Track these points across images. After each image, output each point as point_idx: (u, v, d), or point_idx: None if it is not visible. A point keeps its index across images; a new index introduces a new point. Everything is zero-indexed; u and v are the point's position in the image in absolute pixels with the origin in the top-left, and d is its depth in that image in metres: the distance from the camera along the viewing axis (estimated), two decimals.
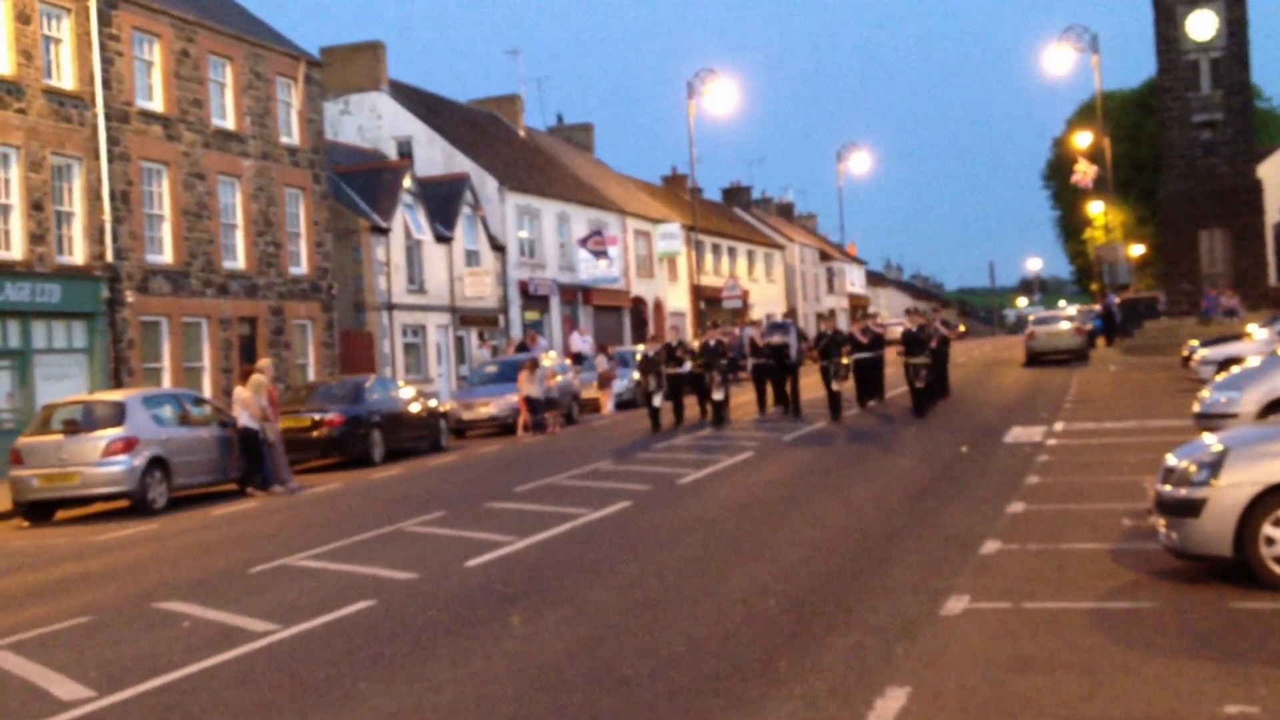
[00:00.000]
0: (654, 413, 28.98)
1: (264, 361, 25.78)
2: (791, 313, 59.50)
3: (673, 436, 26.71)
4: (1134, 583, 10.31)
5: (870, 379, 29.65)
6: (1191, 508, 9.88)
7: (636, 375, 32.50)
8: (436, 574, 12.73)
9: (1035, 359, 43.21)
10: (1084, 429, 22.27)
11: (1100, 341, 51.28)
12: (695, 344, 30.80)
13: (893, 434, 24.29)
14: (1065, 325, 44.96)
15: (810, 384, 32.10)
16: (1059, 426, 22.86)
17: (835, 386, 27.58)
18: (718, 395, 28.64)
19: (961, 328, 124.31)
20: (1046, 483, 16.18)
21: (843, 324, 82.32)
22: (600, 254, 53.29)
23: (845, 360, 28.34)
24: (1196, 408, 18.49)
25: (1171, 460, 10.47)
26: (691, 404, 30.42)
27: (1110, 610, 9.48)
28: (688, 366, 29.53)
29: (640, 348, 34.59)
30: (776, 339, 29.68)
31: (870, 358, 29.30)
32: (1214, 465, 9.96)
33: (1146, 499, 11.10)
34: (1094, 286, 70.29)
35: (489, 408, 32.79)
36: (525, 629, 10.14)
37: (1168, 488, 10.20)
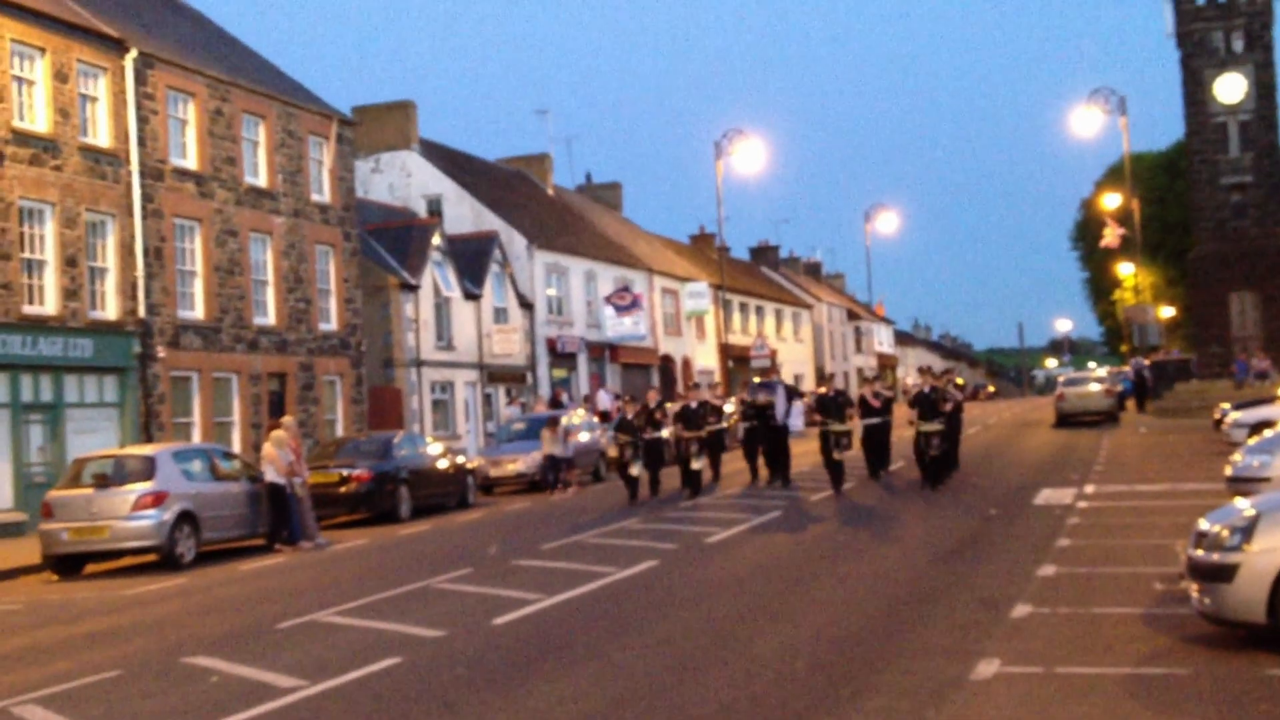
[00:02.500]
0: (630, 482, 26.49)
1: (287, 418, 25.91)
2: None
3: (679, 500, 25.22)
4: (1167, 648, 10.22)
5: (881, 446, 26.92)
6: (1224, 573, 9.81)
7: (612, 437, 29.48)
8: (464, 631, 12.71)
9: (1065, 420, 42.98)
10: (1115, 491, 22.12)
11: (1130, 404, 51.02)
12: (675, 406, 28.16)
13: (914, 501, 23.58)
14: (1095, 387, 44.74)
15: (810, 449, 29.92)
16: (1090, 489, 22.71)
17: (837, 455, 25.08)
18: (696, 464, 26.27)
19: (991, 388, 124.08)
20: (1077, 545, 16.07)
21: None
22: (622, 309, 53.28)
23: (849, 426, 25.72)
24: (1229, 471, 18.39)
25: (1204, 525, 10.40)
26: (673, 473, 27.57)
27: (1143, 676, 9.40)
28: (666, 432, 27.44)
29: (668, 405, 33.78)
30: (762, 398, 27.24)
31: (881, 423, 26.63)
32: (1247, 530, 9.89)
33: (1179, 563, 11.02)
34: (1124, 348, 70.07)
35: (516, 464, 32.75)
36: (551, 689, 10.11)
37: (1200, 552, 10.13)
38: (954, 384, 30.16)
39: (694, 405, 27.05)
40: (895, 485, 25.72)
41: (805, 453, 29.81)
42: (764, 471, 27.35)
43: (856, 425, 26.53)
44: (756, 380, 31.18)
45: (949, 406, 26.08)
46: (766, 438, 27.20)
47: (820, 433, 25.98)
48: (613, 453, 36.09)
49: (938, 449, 24.63)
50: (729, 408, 32.32)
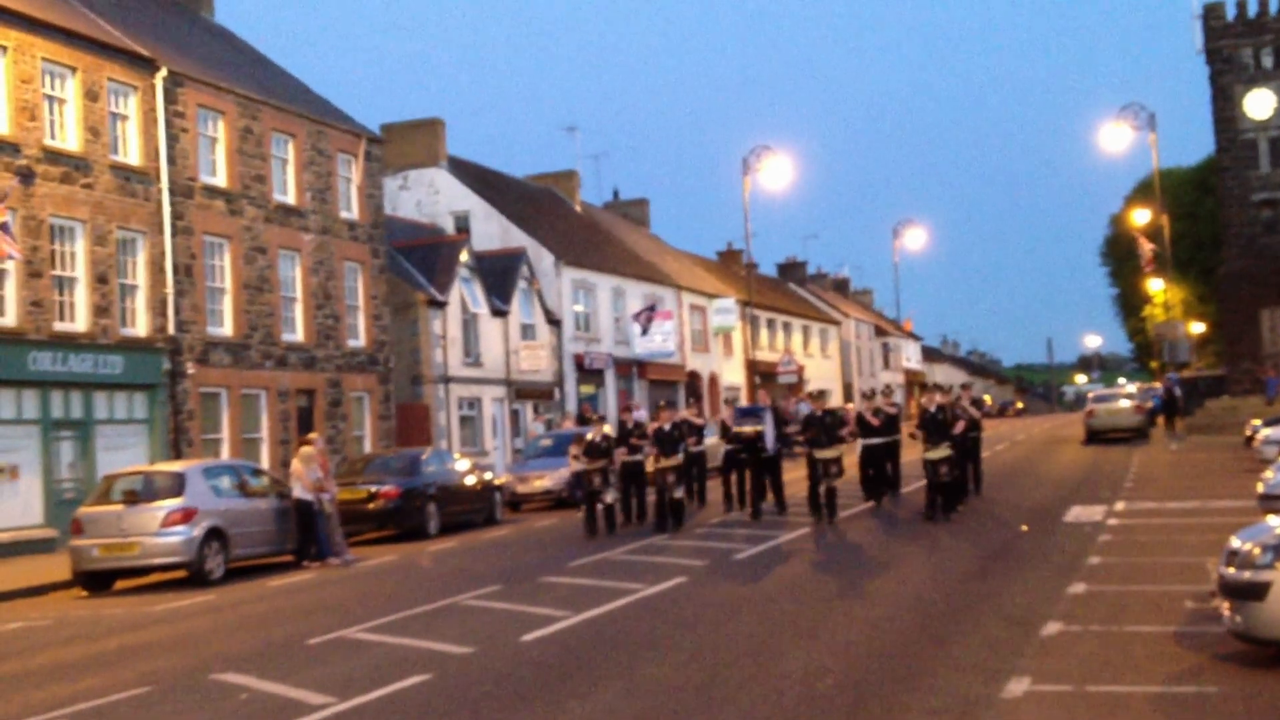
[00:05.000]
0: (593, 513, 23.64)
1: (313, 435, 25.99)
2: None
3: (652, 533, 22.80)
4: (1198, 667, 10.15)
5: (882, 470, 24.91)
6: (1256, 591, 9.74)
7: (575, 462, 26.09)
8: (492, 648, 12.70)
9: (1095, 437, 42.78)
10: (1145, 509, 22.00)
11: (1159, 421, 50.72)
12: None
13: (915, 534, 21.12)
14: (1125, 403, 44.53)
15: (802, 475, 25.60)
16: (1120, 506, 22.59)
17: (826, 482, 22.43)
18: (676, 493, 23.45)
19: (1019, 404, 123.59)
20: (1108, 563, 15.98)
21: (898, 400, 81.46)
22: (647, 329, 53.25)
23: (839, 451, 22.89)
24: (1260, 489, 18.26)
25: (1235, 542, 10.33)
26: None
27: (1175, 695, 9.33)
28: (644, 455, 24.36)
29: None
30: (748, 427, 24.73)
31: (881, 444, 24.58)
32: (1279, 548, 9.82)
33: (1210, 581, 10.95)
34: (1154, 364, 69.72)
35: (543, 481, 32.75)
36: (580, 705, 10.09)
37: (1231, 570, 10.06)
38: (972, 402, 27.55)
39: (668, 428, 23.89)
40: (898, 515, 23.33)
41: (796, 480, 27.43)
42: (738, 504, 25.27)
43: (856, 447, 24.46)
44: (742, 405, 29.35)
45: (961, 426, 23.26)
46: (756, 469, 24.75)
47: (808, 459, 23.14)
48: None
49: (948, 475, 22.02)
50: (710, 434, 29.66)
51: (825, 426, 23.08)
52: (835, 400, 70.35)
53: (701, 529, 23.28)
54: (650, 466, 24.22)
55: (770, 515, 24.14)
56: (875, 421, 24.57)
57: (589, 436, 24.88)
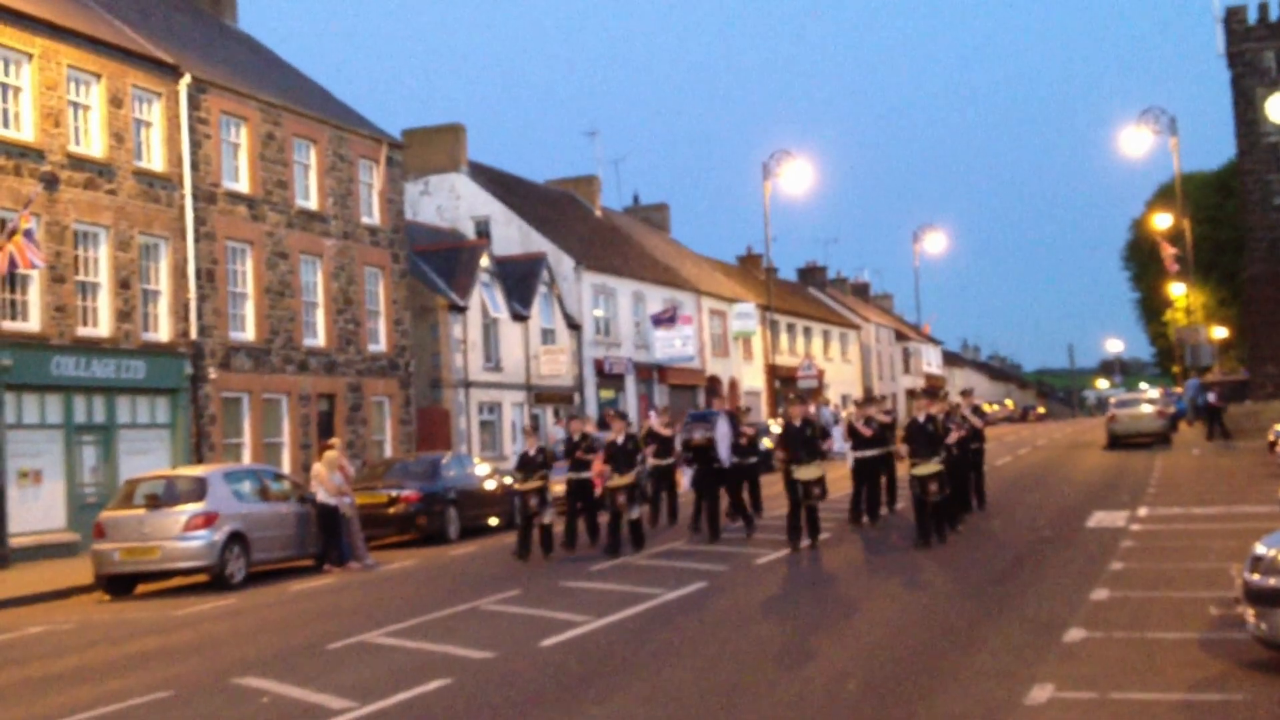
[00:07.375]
0: (527, 534, 21.75)
1: (334, 440, 26.04)
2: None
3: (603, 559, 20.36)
4: (1223, 674, 10.09)
5: (875, 483, 22.74)
6: None
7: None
8: (512, 653, 12.70)
9: (1117, 442, 42.59)
10: (1169, 514, 21.88)
11: (1182, 426, 50.46)
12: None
13: (894, 567, 18.01)
14: (1147, 408, 44.31)
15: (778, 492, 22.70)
16: (1143, 511, 22.47)
17: (807, 503, 19.85)
18: (632, 514, 21.18)
19: (1041, 409, 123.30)
20: (1131, 569, 15.89)
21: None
22: (661, 322, 53.18)
23: (821, 470, 20.00)
24: None
25: (1260, 548, 10.26)
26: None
27: (1200, 702, 9.28)
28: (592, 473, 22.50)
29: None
30: (698, 436, 22.54)
31: (874, 455, 22.46)
32: None
33: (1234, 587, 10.89)
34: (1176, 369, 69.44)
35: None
36: (600, 711, 10.08)
37: (1256, 576, 9.99)
38: (973, 409, 24.99)
39: (620, 440, 21.43)
40: (897, 532, 21.39)
41: (773, 495, 25.35)
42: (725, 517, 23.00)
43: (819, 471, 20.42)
44: (693, 412, 28.20)
45: (954, 437, 20.90)
46: (709, 483, 22.37)
47: (785, 478, 20.36)
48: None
49: (938, 495, 19.24)
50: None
51: (805, 440, 20.07)
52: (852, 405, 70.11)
53: (723, 532, 23.20)
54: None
55: (701, 540, 21.80)
56: (867, 431, 22.50)
57: (527, 451, 22.73)
